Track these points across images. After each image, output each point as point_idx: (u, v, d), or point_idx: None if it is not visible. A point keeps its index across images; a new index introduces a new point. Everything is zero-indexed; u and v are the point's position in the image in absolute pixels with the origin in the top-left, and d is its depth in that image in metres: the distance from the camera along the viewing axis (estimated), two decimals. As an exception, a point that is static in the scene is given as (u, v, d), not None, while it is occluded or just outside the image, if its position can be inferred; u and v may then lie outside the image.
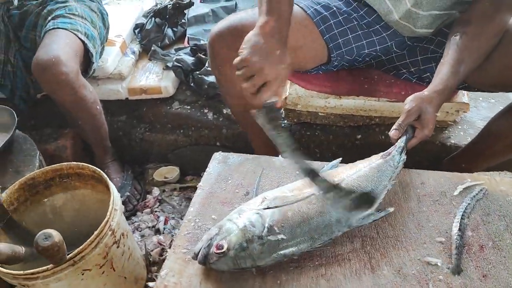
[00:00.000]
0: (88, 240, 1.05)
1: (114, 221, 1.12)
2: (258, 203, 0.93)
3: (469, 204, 0.97)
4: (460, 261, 0.88)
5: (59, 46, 1.50)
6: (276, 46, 0.98)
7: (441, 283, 0.85)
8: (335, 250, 0.92)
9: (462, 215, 0.95)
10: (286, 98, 1.56)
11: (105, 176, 1.20)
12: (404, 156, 1.03)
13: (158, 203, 1.78)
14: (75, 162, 1.28)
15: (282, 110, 1.71)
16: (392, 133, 1.03)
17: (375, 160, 1.03)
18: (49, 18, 1.61)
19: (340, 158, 1.08)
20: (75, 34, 1.58)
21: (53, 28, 1.56)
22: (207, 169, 1.17)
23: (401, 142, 1.04)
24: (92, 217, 1.27)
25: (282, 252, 0.88)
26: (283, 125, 0.95)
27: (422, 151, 1.56)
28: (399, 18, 1.27)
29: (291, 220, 0.90)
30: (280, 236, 0.88)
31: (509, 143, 1.29)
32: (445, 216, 0.97)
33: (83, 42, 1.60)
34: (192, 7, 2.11)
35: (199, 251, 0.88)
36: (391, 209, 0.97)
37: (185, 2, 2.03)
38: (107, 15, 1.83)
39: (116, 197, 1.17)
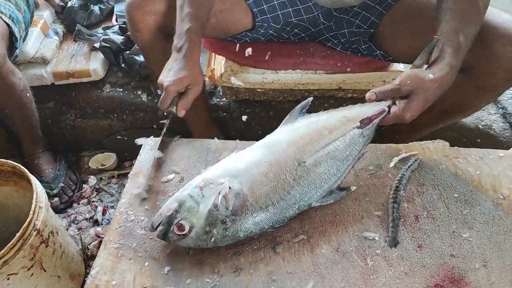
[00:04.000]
0: (9, 244, 0.97)
1: (39, 220, 1.05)
2: (220, 175, 0.89)
3: (404, 175, 0.97)
4: (396, 233, 0.88)
5: None
6: (173, 63, 1.08)
7: (379, 257, 0.85)
8: (273, 232, 0.90)
9: (398, 187, 0.95)
10: (222, 75, 1.50)
11: (26, 171, 1.11)
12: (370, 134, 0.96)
13: (95, 193, 1.69)
14: (-8, 158, 1.17)
15: (220, 88, 1.66)
16: (367, 96, 0.95)
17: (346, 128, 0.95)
18: None
19: (311, 98, 1.01)
20: None
21: None
22: (138, 156, 1.10)
23: (365, 112, 0.95)
24: (19, 215, 1.18)
25: (243, 234, 0.86)
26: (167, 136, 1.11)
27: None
28: None
29: (256, 203, 0.87)
30: (244, 221, 0.86)
31: (433, 116, 1.31)
32: (382, 189, 0.97)
33: (7, 25, 1.45)
34: (120, -18, 1.98)
35: (158, 226, 0.85)
36: (353, 188, 0.96)
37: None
38: None
39: (40, 193, 1.08)
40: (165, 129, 1.12)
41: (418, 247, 0.86)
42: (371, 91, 0.95)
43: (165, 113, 1.08)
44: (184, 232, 0.84)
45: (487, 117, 1.63)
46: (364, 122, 0.94)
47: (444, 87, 0.93)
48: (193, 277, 0.84)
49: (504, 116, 1.63)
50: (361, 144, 0.94)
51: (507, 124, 1.60)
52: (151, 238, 0.91)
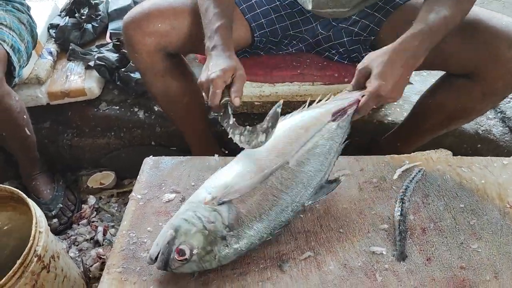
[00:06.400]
0: (10, 272, 0.95)
1: (39, 245, 1.02)
2: (208, 197, 0.88)
3: (408, 187, 0.97)
4: (404, 247, 0.87)
5: None
6: (211, 61, 1.04)
7: (388, 272, 0.84)
8: (279, 249, 0.89)
9: (403, 199, 0.94)
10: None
11: (25, 196, 1.08)
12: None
13: (95, 212, 1.67)
14: (-11, 184, 1.15)
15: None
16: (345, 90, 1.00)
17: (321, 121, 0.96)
18: None
19: (282, 101, 1.00)
20: (0, 44, 1.43)
21: None
22: (138, 176, 1.09)
23: (337, 104, 0.98)
24: (19, 241, 1.15)
25: (244, 247, 0.85)
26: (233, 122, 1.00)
27: (360, 131, 1.55)
28: (312, 8, 1.26)
29: (249, 214, 0.86)
30: (242, 234, 0.85)
31: (436, 121, 1.31)
32: (387, 202, 0.96)
33: (7, 53, 1.45)
34: (112, -1, 1.97)
35: (157, 257, 0.82)
36: (343, 177, 0.95)
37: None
38: (36, 27, 1.68)
39: (39, 218, 1.06)
40: (231, 114, 1.01)
41: (427, 260, 0.85)
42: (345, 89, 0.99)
43: (214, 113, 1.05)
44: (185, 257, 0.81)
45: (486, 122, 1.62)
46: (338, 114, 0.96)
47: (401, 49, 0.96)
48: (199, 300, 0.83)
49: (503, 120, 1.62)
50: (340, 136, 0.95)
51: (507, 129, 1.60)
52: (155, 261, 0.90)
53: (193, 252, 0.82)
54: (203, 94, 1.05)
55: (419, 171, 1.00)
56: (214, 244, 0.83)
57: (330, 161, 0.93)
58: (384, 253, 0.87)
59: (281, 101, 0.95)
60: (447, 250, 0.86)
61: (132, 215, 1.00)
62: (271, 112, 0.94)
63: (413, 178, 0.98)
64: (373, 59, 0.97)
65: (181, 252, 0.82)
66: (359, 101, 0.96)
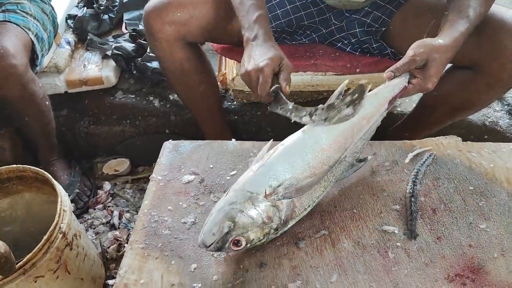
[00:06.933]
0: (37, 247, 1.00)
1: (64, 223, 1.07)
2: (269, 189, 0.87)
3: (419, 170, 1.00)
4: (415, 226, 0.90)
5: (9, 38, 1.40)
6: (255, 50, 1.04)
7: (399, 250, 0.87)
8: (295, 229, 0.92)
9: (414, 181, 0.98)
10: (233, 79, 1.54)
11: (50, 176, 1.13)
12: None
13: (110, 198, 1.71)
14: (15, 165, 1.20)
15: (231, 92, 1.69)
16: (386, 75, 0.97)
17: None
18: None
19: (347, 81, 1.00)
20: (26, 32, 1.48)
21: (3, 21, 1.46)
22: (158, 159, 1.13)
23: (391, 92, 0.97)
24: (42, 220, 1.20)
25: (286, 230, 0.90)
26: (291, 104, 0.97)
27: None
28: None
29: (301, 206, 0.90)
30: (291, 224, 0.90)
31: (443, 113, 1.35)
32: (399, 184, 0.99)
33: (32, 42, 1.50)
34: (127, -10, 2.01)
35: (211, 245, 0.83)
36: (370, 157, 0.99)
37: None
38: (57, 18, 1.73)
39: (64, 197, 1.11)
40: (287, 100, 0.99)
41: (437, 238, 0.89)
42: (388, 70, 0.97)
43: (262, 100, 1.03)
44: (240, 247, 0.84)
45: (493, 114, 1.66)
46: (391, 103, 0.97)
47: (454, 51, 0.97)
48: (219, 273, 0.87)
49: (509, 112, 1.66)
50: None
51: (514, 120, 1.63)
52: (175, 238, 0.94)
53: (248, 242, 0.85)
54: (248, 84, 1.05)
55: (430, 156, 1.03)
56: (267, 234, 0.86)
57: (365, 142, 0.97)
58: (396, 232, 0.90)
59: (346, 82, 0.98)
60: (457, 229, 0.90)
61: (153, 195, 1.04)
62: (351, 90, 0.93)
63: (424, 162, 1.02)
64: (431, 54, 0.94)
65: (238, 243, 0.84)
66: (406, 87, 0.97)
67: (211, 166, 1.09)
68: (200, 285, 0.85)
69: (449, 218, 0.92)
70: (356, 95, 0.91)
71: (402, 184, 0.99)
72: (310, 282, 0.83)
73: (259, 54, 1.02)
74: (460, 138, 1.30)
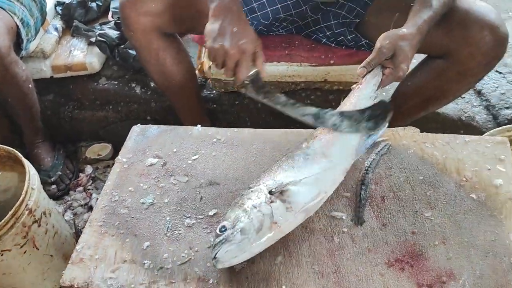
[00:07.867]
0: (2, 221, 1.04)
1: (31, 200, 1.11)
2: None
3: (374, 159, 1.02)
4: (362, 213, 0.93)
5: None
6: (230, 25, 0.99)
7: (345, 235, 0.90)
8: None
9: (367, 170, 1.00)
10: (210, 67, 1.56)
11: (21, 156, 1.17)
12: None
13: (91, 181, 1.76)
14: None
15: (209, 81, 1.71)
16: (359, 71, 0.99)
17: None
18: None
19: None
20: (11, 15, 1.51)
21: None
22: (125, 142, 1.17)
23: (370, 90, 1.01)
24: (14, 198, 1.24)
25: None
26: (271, 89, 0.99)
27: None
28: None
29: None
30: None
31: (415, 103, 1.36)
32: (353, 172, 1.01)
33: (17, 26, 1.53)
34: (116, -21, 2.04)
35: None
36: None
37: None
38: (46, 5, 1.77)
39: (32, 175, 1.15)
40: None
41: (383, 225, 0.91)
42: (360, 66, 0.99)
43: (237, 83, 0.99)
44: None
45: (470, 109, 1.66)
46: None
47: (419, 38, 0.99)
48: (170, 252, 0.90)
49: (487, 108, 1.66)
50: None
51: (490, 116, 1.64)
52: (132, 217, 0.97)
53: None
54: (219, 60, 0.99)
55: (385, 145, 1.05)
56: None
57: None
58: (344, 218, 0.93)
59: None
60: (403, 217, 0.92)
61: (116, 176, 1.07)
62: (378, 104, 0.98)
63: (379, 151, 1.04)
64: (397, 43, 0.96)
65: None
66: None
67: (175, 150, 1.12)
68: (149, 262, 0.89)
69: (396, 206, 0.94)
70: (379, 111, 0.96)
71: (355, 172, 1.01)
72: (255, 262, 0.87)
73: (238, 32, 0.98)
74: (418, 129, 1.32)
